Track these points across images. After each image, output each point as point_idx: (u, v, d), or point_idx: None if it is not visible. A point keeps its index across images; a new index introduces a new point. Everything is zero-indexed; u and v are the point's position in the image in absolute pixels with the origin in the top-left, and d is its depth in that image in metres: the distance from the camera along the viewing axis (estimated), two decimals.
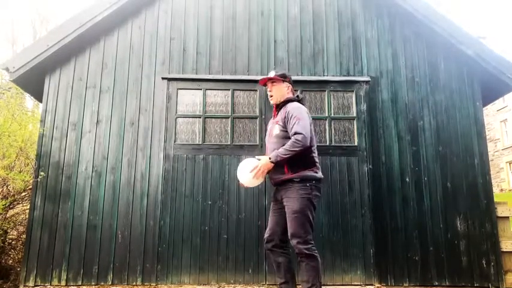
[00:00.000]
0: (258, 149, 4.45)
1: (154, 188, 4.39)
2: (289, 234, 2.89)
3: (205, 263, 4.23)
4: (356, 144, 4.55)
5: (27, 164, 4.81)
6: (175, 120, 4.57)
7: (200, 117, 4.59)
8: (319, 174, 3.00)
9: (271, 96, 3.16)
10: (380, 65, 4.79)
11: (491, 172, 4.70)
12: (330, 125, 4.60)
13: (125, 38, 4.79)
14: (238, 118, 4.61)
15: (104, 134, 4.53)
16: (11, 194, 4.56)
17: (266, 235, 3.08)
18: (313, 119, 4.59)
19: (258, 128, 4.55)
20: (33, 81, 4.73)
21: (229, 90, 4.66)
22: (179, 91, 4.64)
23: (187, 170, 4.44)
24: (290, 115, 2.96)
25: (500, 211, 4.45)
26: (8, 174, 4.32)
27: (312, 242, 2.88)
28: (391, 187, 4.47)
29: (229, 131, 4.55)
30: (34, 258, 4.19)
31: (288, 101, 3.10)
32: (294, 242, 2.86)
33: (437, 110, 4.69)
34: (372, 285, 4.23)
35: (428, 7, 4.72)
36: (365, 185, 4.44)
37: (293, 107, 3.02)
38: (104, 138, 4.51)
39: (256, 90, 4.65)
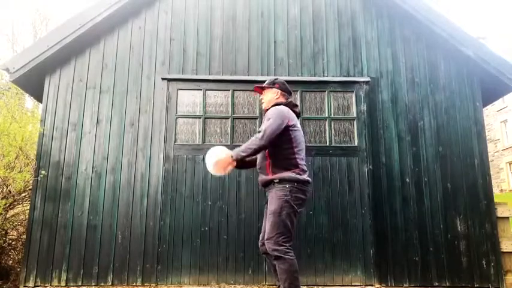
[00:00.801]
0: None
1: (154, 189, 4.39)
2: (265, 234, 2.89)
3: (205, 263, 4.23)
4: (356, 144, 4.55)
5: (27, 164, 4.81)
6: (175, 120, 4.57)
7: (200, 118, 4.59)
8: (303, 177, 2.94)
9: (263, 102, 3.27)
10: (380, 66, 4.79)
11: (491, 172, 4.70)
12: (330, 126, 4.60)
13: (125, 39, 4.79)
14: (238, 118, 4.61)
15: (104, 134, 4.53)
16: (11, 194, 4.56)
17: (260, 240, 3.07)
18: (313, 119, 4.62)
19: (258, 128, 4.55)
20: (33, 82, 4.73)
21: (229, 90, 4.66)
22: (179, 91, 4.64)
23: (187, 171, 4.44)
24: (266, 117, 3.00)
25: (500, 211, 4.45)
26: (9, 174, 4.32)
27: (285, 244, 2.81)
28: (391, 187, 4.47)
29: (229, 132, 4.55)
30: (34, 259, 4.19)
31: (274, 105, 3.13)
32: (266, 242, 2.85)
33: (437, 110, 4.69)
34: (372, 285, 4.23)
35: (428, 8, 4.72)
36: (365, 185, 4.44)
37: (273, 110, 3.02)
38: (104, 139, 4.51)
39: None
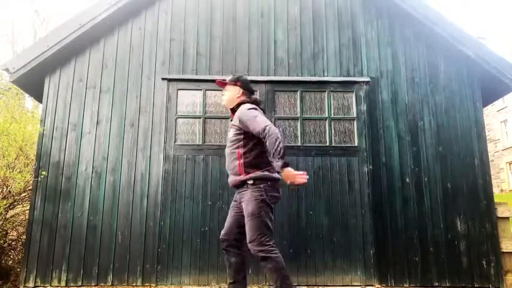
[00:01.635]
0: None
1: (154, 189, 4.39)
2: (247, 238, 2.86)
3: (205, 263, 4.23)
4: (356, 144, 4.55)
5: (27, 165, 4.81)
6: (175, 120, 4.57)
7: (200, 118, 4.59)
8: (275, 175, 2.94)
9: (223, 99, 3.21)
10: (380, 66, 4.79)
11: (492, 173, 4.70)
12: (330, 126, 4.60)
13: (125, 39, 4.79)
14: None
15: (104, 134, 4.52)
16: (11, 194, 4.55)
17: (222, 234, 3.05)
18: (313, 119, 4.62)
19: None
20: (33, 82, 4.73)
21: None
22: (179, 92, 4.64)
23: (187, 171, 4.44)
24: (245, 119, 2.92)
25: (501, 212, 4.45)
26: (10, 174, 4.32)
27: (269, 243, 2.81)
28: (391, 187, 4.46)
29: None
30: (34, 259, 4.19)
31: (240, 103, 3.09)
32: (250, 245, 2.83)
33: (437, 110, 4.69)
34: (372, 285, 4.23)
35: (428, 8, 4.72)
36: (365, 185, 4.44)
37: (244, 108, 2.98)
38: (104, 139, 4.51)
39: (256, 91, 4.64)
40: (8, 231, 4.70)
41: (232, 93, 3.13)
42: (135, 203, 4.36)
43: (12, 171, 4.43)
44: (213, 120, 4.60)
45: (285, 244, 4.28)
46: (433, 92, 4.74)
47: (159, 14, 4.87)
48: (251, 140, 2.93)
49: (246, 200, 2.87)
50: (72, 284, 4.17)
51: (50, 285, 4.16)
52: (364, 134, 4.56)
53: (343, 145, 4.56)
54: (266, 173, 2.90)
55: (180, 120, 4.59)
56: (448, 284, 4.26)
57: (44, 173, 4.32)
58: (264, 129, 2.78)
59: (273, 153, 2.75)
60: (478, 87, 4.76)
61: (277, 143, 2.74)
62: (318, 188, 4.42)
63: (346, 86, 4.71)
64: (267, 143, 2.79)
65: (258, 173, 2.88)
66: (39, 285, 4.15)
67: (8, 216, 4.61)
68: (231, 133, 3.02)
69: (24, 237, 4.60)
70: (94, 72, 4.69)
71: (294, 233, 4.31)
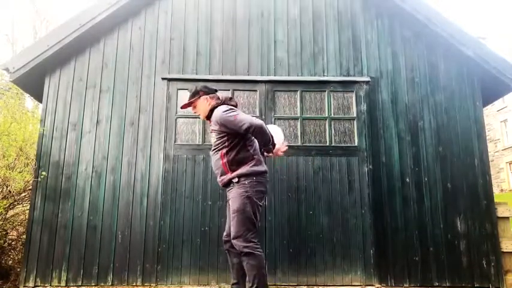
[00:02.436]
0: None
1: (154, 188, 4.39)
2: (231, 234, 2.90)
3: (206, 263, 4.23)
4: (356, 144, 4.55)
5: (27, 165, 4.81)
6: (176, 120, 4.57)
7: (200, 118, 4.58)
8: (260, 168, 2.98)
9: (199, 114, 3.26)
10: (380, 66, 4.79)
11: (492, 172, 4.70)
12: (330, 125, 4.60)
13: (125, 38, 4.79)
14: None
15: (104, 134, 4.52)
16: (11, 194, 4.55)
17: (223, 235, 3.12)
18: (313, 119, 4.62)
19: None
20: (33, 82, 4.73)
21: (229, 90, 4.65)
22: (179, 91, 4.64)
23: (188, 171, 4.44)
24: (224, 123, 2.95)
25: (501, 211, 4.45)
26: (10, 174, 4.32)
27: (254, 240, 2.84)
28: (391, 187, 4.46)
29: None
30: (34, 259, 4.19)
31: (212, 109, 3.12)
32: (234, 241, 2.86)
33: (437, 110, 4.69)
34: (372, 285, 4.23)
35: (428, 8, 4.72)
36: (365, 185, 4.44)
37: (220, 111, 2.99)
38: (104, 138, 4.51)
39: (256, 91, 4.65)
40: (8, 231, 4.70)
41: (203, 106, 3.18)
42: (135, 203, 4.36)
43: (13, 171, 4.43)
44: None
45: (285, 244, 4.28)
46: (433, 91, 4.74)
47: (159, 14, 4.87)
48: (233, 139, 2.98)
49: (232, 198, 2.93)
50: (72, 284, 4.17)
51: (50, 285, 4.16)
52: (364, 134, 4.56)
53: (343, 145, 4.56)
54: (251, 167, 2.94)
55: (180, 120, 4.59)
56: (448, 284, 4.26)
57: (44, 173, 4.32)
58: (250, 126, 2.87)
59: (264, 143, 2.97)
60: (478, 87, 4.75)
61: (265, 136, 2.94)
62: (318, 188, 4.42)
63: (346, 85, 4.71)
64: (257, 137, 2.97)
65: (244, 169, 2.94)
66: (39, 285, 4.15)
67: (8, 216, 4.61)
68: (214, 137, 3.08)
69: (24, 237, 4.60)
70: (94, 72, 4.69)
71: (294, 233, 4.31)
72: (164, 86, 4.64)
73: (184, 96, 4.63)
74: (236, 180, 2.92)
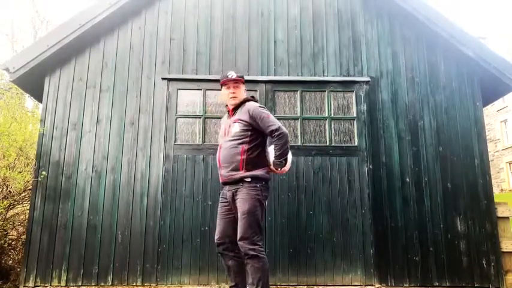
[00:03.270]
0: None
1: (154, 188, 4.39)
2: (238, 235, 2.85)
3: (206, 263, 4.23)
4: (356, 144, 4.55)
5: (27, 164, 4.81)
6: (175, 120, 4.57)
7: (200, 118, 4.58)
8: (269, 175, 3.02)
9: (235, 97, 3.06)
10: (380, 65, 4.79)
11: (492, 172, 4.70)
12: (330, 125, 4.60)
13: (125, 38, 4.79)
14: None
15: (104, 133, 4.52)
16: (12, 194, 4.55)
17: (216, 238, 3.00)
18: (313, 119, 4.62)
19: None
20: (33, 82, 4.73)
21: None
22: (179, 91, 4.64)
23: (188, 170, 4.44)
24: (259, 116, 2.93)
25: (501, 211, 4.45)
26: (10, 174, 4.32)
27: (260, 243, 2.82)
28: (391, 187, 4.46)
29: None
30: (34, 259, 4.19)
31: (245, 100, 3.08)
32: (240, 242, 2.82)
33: (437, 110, 4.69)
34: (372, 285, 4.22)
35: (428, 8, 4.72)
36: (365, 185, 4.44)
37: (255, 105, 3.00)
38: (104, 138, 4.51)
39: (256, 91, 4.64)
40: (8, 231, 4.70)
41: (242, 91, 3.11)
42: (135, 203, 4.36)
43: (13, 171, 4.43)
44: (213, 120, 4.59)
45: (285, 244, 4.28)
46: (433, 91, 4.74)
47: (159, 14, 4.87)
48: (257, 138, 2.95)
49: (243, 198, 2.85)
50: (72, 284, 4.16)
51: (50, 285, 4.16)
52: (364, 134, 4.56)
53: (343, 145, 4.56)
54: (264, 172, 2.95)
55: (180, 120, 4.59)
56: (448, 284, 4.26)
57: (44, 173, 4.32)
58: (278, 129, 2.87)
59: (278, 154, 2.90)
60: (478, 87, 4.75)
61: (287, 146, 2.91)
62: (318, 188, 4.42)
63: (346, 85, 4.71)
64: (276, 142, 2.89)
65: (259, 172, 2.91)
66: (39, 284, 4.15)
67: (8, 216, 4.61)
68: (237, 128, 2.97)
69: (24, 237, 4.60)
70: (94, 72, 4.69)
71: (294, 233, 4.31)
72: (164, 86, 4.64)
73: (184, 96, 4.64)
74: (249, 180, 2.87)
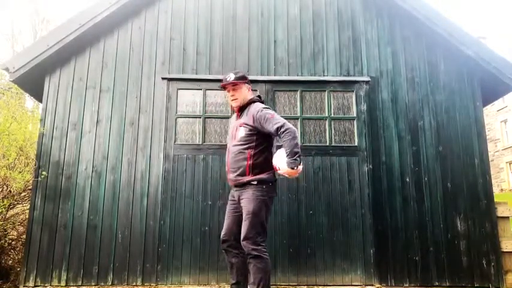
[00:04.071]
0: None
1: (154, 188, 4.39)
2: (241, 234, 2.87)
3: (206, 263, 4.23)
4: (356, 144, 4.55)
5: (27, 164, 4.80)
6: (175, 120, 4.57)
7: (200, 118, 4.59)
8: (275, 176, 3.02)
9: (236, 99, 3.06)
10: (380, 65, 4.79)
11: (492, 172, 4.70)
12: (330, 125, 4.60)
13: (125, 38, 4.79)
14: None
15: (104, 133, 4.52)
16: (12, 194, 4.55)
17: (222, 234, 3.05)
18: (313, 119, 4.62)
19: None
20: (33, 82, 4.73)
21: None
22: (179, 91, 4.64)
23: (188, 170, 4.44)
24: (262, 117, 2.91)
25: (501, 211, 4.45)
26: (10, 174, 4.32)
27: (263, 244, 2.84)
28: (391, 187, 4.46)
29: None
30: (34, 259, 4.19)
31: (251, 102, 3.07)
32: (244, 242, 2.84)
33: (437, 110, 4.69)
34: (372, 285, 4.23)
35: (428, 7, 4.72)
36: (365, 184, 4.44)
37: (259, 107, 2.99)
38: (104, 138, 4.51)
39: (256, 91, 4.63)
40: (8, 230, 4.70)
41: (244, 93, 3.06)
42: (135, 203, 4.36)
43: (13, 171, 4.43)
44: (213, 119, 4.60)
45: (285, 244, 4.28)
46: (433, 91, 4.74)
47: (159, 14, 4.87)
48: (263, 142, 2.96)
49: (248, 198, 2.88)
50: (72, 284, 4.17)
51: (50, 285, 4.16)
52: (364, 134, 4.56)
53: (343, 145, 4.56)
54: (270, 175, 2.96)
55: (180, 120, 4.59)
56: (448, 284, 4.26)
57: (44, 173, 4.32)
58: (283, 125, 2.82)
59: (289, 151, 2.79)
60: (478, 86, 4.75)
61: (295, 141, 2.80)
62: (318, 187, 4.42)
63: (346, 85, 4.71)
64: (284, 139, 2.80)
65: (265, 175, 2.93)
66: (39, 284, 4.16)
67: (8, 215, 4.61)
68: (243, 132, 2.97)
69: (24, 236, 4.60)
70: (94, 72, 4.69)
71: (294, 233, 4.31)
72: (164, 86, 4.64)
73: (184, 96, 4.64)
74: (255, 183, 2.90)
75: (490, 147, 21.01)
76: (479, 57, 4.63)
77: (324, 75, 4.74)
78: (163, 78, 4.65)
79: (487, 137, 15.72)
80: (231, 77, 3.04)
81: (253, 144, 2.94)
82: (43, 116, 4.54)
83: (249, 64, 4.75)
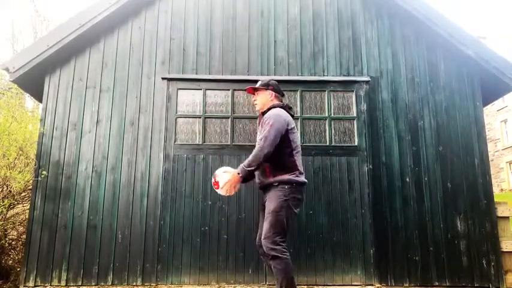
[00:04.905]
0: None
1: (154, 188, 4.39)
2: (262, 233, 2.90)
3: (206, 263, 4.23)
4: (356, 144, 4.55)
5: (27, 164, 4.80)
6: (175, 120, 4.57)
7: (200, 117, 4.59)
8: (301, 179, 3.00)
9: (257, 104, 3.27)
10: (380, 65, 4.79)
11: (492, 172, 4.70)
12: (330, 125, 4.60)
13: (125, 38, 4.79)
14: (238, 118, 4.60)
15: (104, 133, 4.52)
16: (12, 194, 4.55)
17: (256, 239, 3.08)
18: (313, 119, 4.62)
19: (258, 128, 4.54)
20: (33, 82, 4.73)
21: (229, 90, 4.66)
22: (179, 91, 4.64)
23: (188, 170, 4.44)
24: (265, 121, 3.01)
25: (501, 211, 4.45)
26: (10, 174, 4.32)
27: (282, 244, 2.83)
28: (391, 187, 4.46)
29: (229, 131, 4.55)
30: (34, 259, 4.19)
31: (271, 107, 3.16)
32: (263, 241, 2.85)
33: (437, 110, 4.69)
34: (372, 285, 4.23)
35: (428, 7, 4.72)
36: (365, 184, 4.44)
37: (271, 113, 3.05)
38: (104, 138, 4.51)
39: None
40: (8, 230, 4.70)
41: (265, 98, 3.22)
42: (135, 203, 4.36)
43: (13, 171, 4.43)
44: (213, 119, 4.60)
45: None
46: (433, 91, 4.74)
47: (159, 14, 4.87)
48: (279, 145, 2.97)
49: (269, 198, 2.94)
50: (72, 284, 4.17)
51: (50, 285, 4.16)
52: (364, 134, 4.56)
53: (343, 145, 4.56)
54: (291, 176, 2.96)
55: (180, 120, 4.59)
56: (448, 284, 4.26)
57: (44, 173, 4.33)
58: (263, 139, 2.89)
59: (247, 160, 2.90)
60: (478, 86, 4.76)
61: (259, 157, 2.87)
62: (318, 187, 4.42)
63: (346, 85, 4.71)
64: (254, 149, 2.93)
65: (284, 177, 2.95)
66: (39, 284, 4.16)
67: (8, 215, 4.61)
68: (259, 136, 3.07)
69: (24, 236, 4.60)
70: (94, 72, 4.69)
71: (294, 233, 4.31)
72: (164, 86, 4.64)
73: (184, 96, 4.64)
74: (276, 184, 2.93)
75: (490, 147, 21.01)
76: (479, 57, 4.63)
77: (324, 75, 4.74)
78: (163, 78, 4.65)
79: (487, 137, 15.73)
80: (259, 83, 3.27)
81: None
82: (43, 116, 4.54)
83: (249, 64, 4.75)
